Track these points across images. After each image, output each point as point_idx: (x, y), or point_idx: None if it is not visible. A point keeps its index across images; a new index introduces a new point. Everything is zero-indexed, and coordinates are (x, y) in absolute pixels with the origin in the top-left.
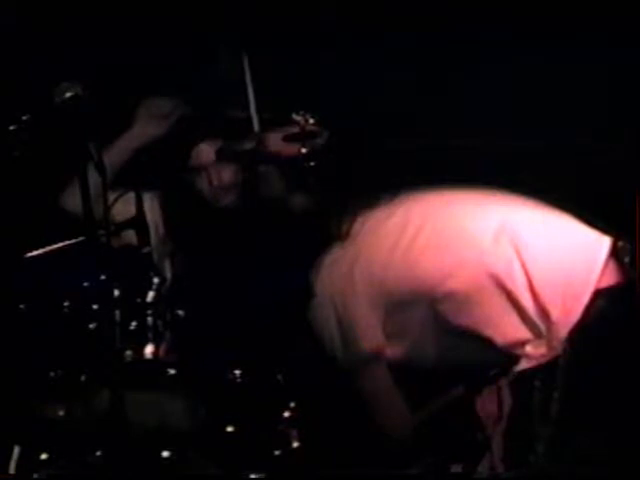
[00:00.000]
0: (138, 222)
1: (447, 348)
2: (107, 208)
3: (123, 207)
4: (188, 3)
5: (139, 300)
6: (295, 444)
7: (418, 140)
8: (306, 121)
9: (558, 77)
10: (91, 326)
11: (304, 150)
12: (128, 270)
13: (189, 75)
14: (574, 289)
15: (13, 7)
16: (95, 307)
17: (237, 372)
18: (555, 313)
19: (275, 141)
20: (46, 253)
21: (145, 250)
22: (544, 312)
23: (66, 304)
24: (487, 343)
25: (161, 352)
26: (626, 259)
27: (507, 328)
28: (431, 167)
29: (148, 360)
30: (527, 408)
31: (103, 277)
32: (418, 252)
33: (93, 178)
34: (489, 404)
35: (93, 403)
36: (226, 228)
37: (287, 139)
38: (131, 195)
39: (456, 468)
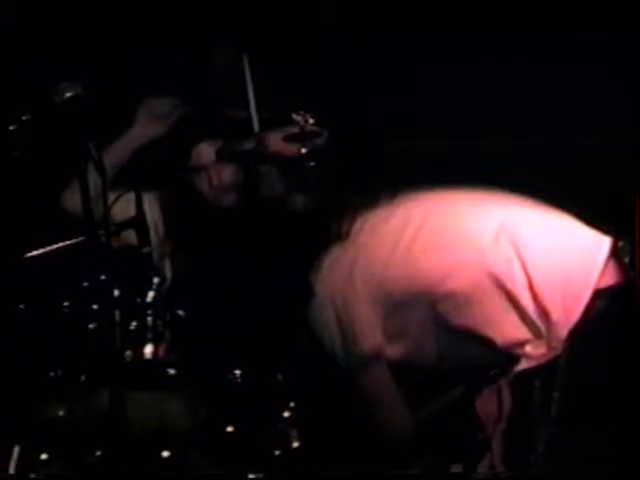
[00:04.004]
0: (138, 222)
1: (447, 348)
2: (107, 208)
3: (123, 207)
4: (188, 3)
5: (139, 300)
6: (295, 444)
7: (418, 140)
8: (306, 121)
9: (557, 77)
10: (91, 326)
11: (304, 150)
12: (128, 270)
13: (189, 75)
14: (574, 289)
15: (13, 7)
16: (95, 307)
17: (237, 372)
18: (555, 313)
19: (275, 141)
20: (46, 253)
21: (145, 250)
22: (544, 312)
23: (66, 304)
24: (487, 343)
25: (161, 352)
26: (626, 259)
27: (507, 328)
28: (431, 167)
29: (148, 360)
30: (527, 408)
31: (103, 277)
32: (418, 252)
33: (93, 178)
34: (489, 404)
35: (93, 403)
36: (226, 228)
37: (287, 139)
38: (131, 195)
39: (456, 468)
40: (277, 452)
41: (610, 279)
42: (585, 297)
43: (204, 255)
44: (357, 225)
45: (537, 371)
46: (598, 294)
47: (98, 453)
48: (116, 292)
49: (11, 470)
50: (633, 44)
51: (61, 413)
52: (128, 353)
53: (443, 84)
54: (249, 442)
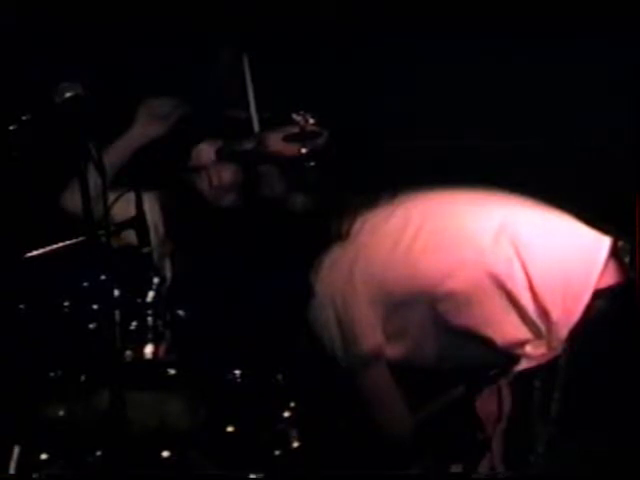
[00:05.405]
0: (138, 222)
1: (447, 348)
2: (107, 208)
3: (123, 207)
4: (188, 3)
5: (139, 300)
6: (295, 444)
7: (418, 140)
8: (306, 121)
9: (557, 77)
10: (91, 326)
11: (304, 150)
12: (128, 270)
13: (189, 75)
14: (574, 289)
15: (13, 7)
16: (95, 307)
17: (237, 372)
18: (555, 313)
19: (275, 141)
20: (46, 253)
21: (145, 250)
22: (544, 312)
23: (66, 304)
24: (487, 343)
25: (161, 352)
26: (626, 259)
27: (507, 328)
28: (431, 167)
29: (148, 360)
30: (527, 408)
31: (103, 277)
32: (418, 252)
33: (93, 178)
34: (489, 404)
35: (93, 403)
36: (226, 228)
37: (287, 139)
38: (131, 195)
39: (456, 468)
40: (277, 452)
41: (610, 279)
42: (585, 297)
43: (204, 255)
44: (357, 225)
45: (537, 371)
46: (598, 294)
47: (98, 453)
48: (116, 292)
49: (11, 470)
50: (633, 44)
51: (61, 413)
52: (128, 353)
53: (443, 84)
54: (249, 442)
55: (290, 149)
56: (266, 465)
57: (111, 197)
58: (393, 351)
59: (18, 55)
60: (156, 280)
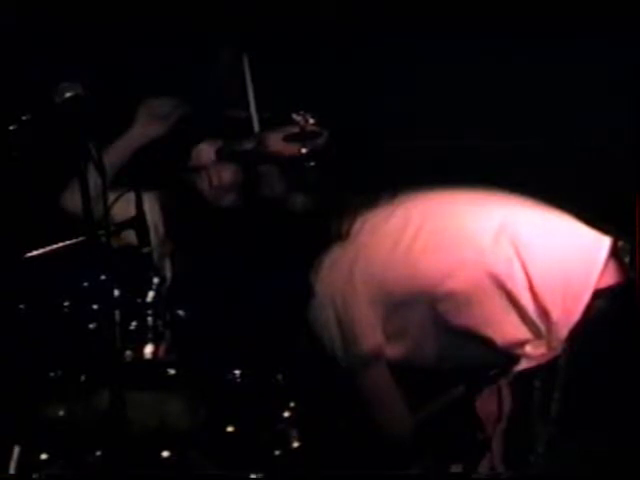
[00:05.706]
0: (138, 222)
1: (447, 348)
2: (107, 208)
3: (123, 207)
4: (188, 3)
5: (139, 300)
6: (295, 444)
7: (418, 140)
8: (306, 121)
9: (557, 77)
10: (91, 326)
11: (304, 150)
12: (128, 270)
13: (189, 75)
14: (574, 289)
15: (13, 7)
16: (95, 307)
17: (237, 372)
18: (555, 313)
19: (275, 141)
20: (46, 253)
21: (145, 250)
22: (544, 312)
23: (66, 304)
24: (487, 343)
25: (161, 352)
26: (626, 259)
27: (507, 328)
28: (431, 167)
29: (148, 360)
30: (527, 408)
31: (103, 277)
32: (418, 252)
33: (93, 178)
34: (489, 404)
35: (93, 403)
36: (226, 228)
37: (287, 139)
38: (131, 195)
39: (456, 468)
40: (277, 452)
41: (610, 279)
42: (585, 297)
43: (204, 255)
44: (357, 225)
45: (537, 371)
46: (598, 294)
47: (98, 453)
48: (116, 292)
49: (11, 470)
50: (633, 44)
51: (61, 413)
52: (128, 353)
53: (443, 84)
54: (249, 442)
55: (290, 149)
56: (266, 465)
57: (111, 197)
58: (393, 351)
59: (18, 55)
60: (156, 280)
